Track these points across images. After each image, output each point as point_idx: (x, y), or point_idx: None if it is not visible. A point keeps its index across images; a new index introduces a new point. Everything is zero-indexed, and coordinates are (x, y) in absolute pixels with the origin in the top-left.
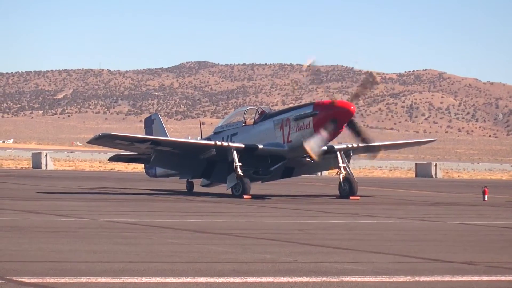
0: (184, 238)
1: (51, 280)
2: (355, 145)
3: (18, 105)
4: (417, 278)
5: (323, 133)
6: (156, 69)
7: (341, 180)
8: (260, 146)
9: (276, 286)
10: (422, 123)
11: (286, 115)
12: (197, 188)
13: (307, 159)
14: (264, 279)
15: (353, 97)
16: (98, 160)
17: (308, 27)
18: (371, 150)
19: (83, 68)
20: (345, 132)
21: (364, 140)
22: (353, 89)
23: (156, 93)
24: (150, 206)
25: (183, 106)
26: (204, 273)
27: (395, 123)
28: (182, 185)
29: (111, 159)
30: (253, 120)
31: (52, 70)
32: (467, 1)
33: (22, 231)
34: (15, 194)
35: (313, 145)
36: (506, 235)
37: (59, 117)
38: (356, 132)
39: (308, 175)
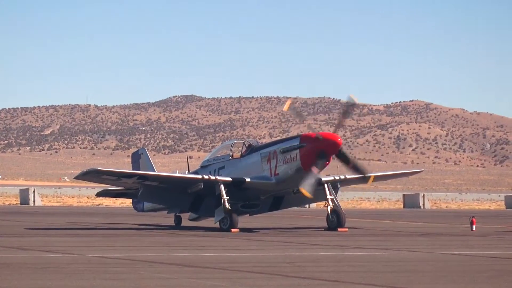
0: (173, 272)
1: None
2: (342, 177)
3: (5, 142)
4: None
5: (314, 170)
6: (143, 103)
7: (329, 212)
8: (248, 180)
9: None
10: (409, 154)
11: (273, 148)
12: (185, 222)
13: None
14: None
15: (336, 127)
16: (86, 196)
17: (295, 60)
18: (361, 179)
19: (69, 104)
20: (333, 164)
21: (354, 167)
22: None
23: (143, 128)
24: (138, 240)
25: (170, 141)
26: None
27: (382, 155)
28: (170, 220)
29: (99, 194)
30: (240, 153)
31: (39, 106)
32: (452, 31)
33: (11, 268)
34: (3, 230)
35: (307, 187)
36: (495, 265)
37: (46, 153)
38: (346, 161)
39: (296, 207)
